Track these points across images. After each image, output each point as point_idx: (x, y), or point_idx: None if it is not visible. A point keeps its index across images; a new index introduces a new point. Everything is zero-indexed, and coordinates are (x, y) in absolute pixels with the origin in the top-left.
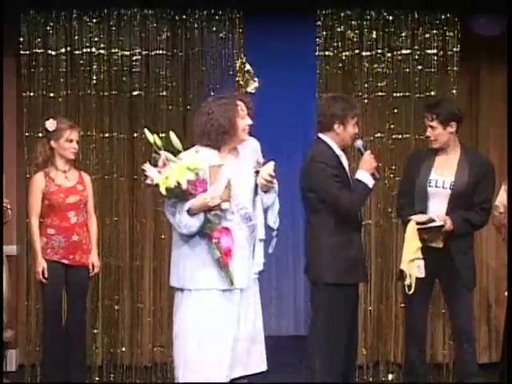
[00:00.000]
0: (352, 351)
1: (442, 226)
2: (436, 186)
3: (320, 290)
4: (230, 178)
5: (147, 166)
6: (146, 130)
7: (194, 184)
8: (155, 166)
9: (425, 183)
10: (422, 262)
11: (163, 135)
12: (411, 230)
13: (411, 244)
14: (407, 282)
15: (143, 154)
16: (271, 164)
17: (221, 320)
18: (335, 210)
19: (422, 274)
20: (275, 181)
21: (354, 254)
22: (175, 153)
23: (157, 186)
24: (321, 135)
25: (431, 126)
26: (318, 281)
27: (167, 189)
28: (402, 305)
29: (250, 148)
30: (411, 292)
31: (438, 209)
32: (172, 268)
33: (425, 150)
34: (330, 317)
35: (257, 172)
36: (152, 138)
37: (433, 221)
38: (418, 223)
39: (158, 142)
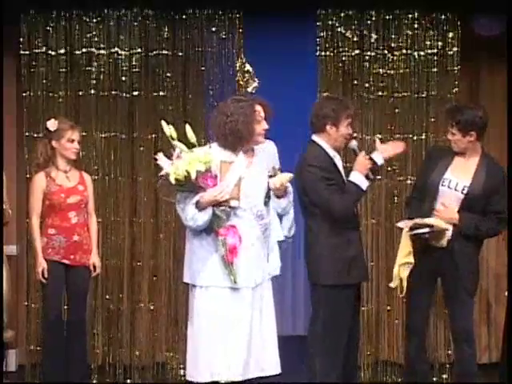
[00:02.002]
0: (353, 351)
1: (432, 230)
2: (449, 187)
3: (319, 292)
4: (241, 176)
5: (160, 156)
6: (162, 122)
7: (204, 178)
8: (169, 158)
9: (438, 181)
10: (411, 266)
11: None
12: (404, 234)
13: (403, 248)
14: (393, 284)
15: (143, 153)
16: (287, 175)
17: (231, 318)
18: (328, 212)
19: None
20: (288, 190)
21: (353, 254)
22: (189, 146)
23: (167, 176)
24: (314, 137)
25: (451, 132)
26: (316, 282)
27: (177, 179)
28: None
29: (268, 150)
30: (402, 295)
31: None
32: (185, 264)
33: (445, 147)
34: (329, 318)
35: (270, 176)
36: (168, 130)
37: (421, 226)
38: (410, 228)
39: (174, 135)
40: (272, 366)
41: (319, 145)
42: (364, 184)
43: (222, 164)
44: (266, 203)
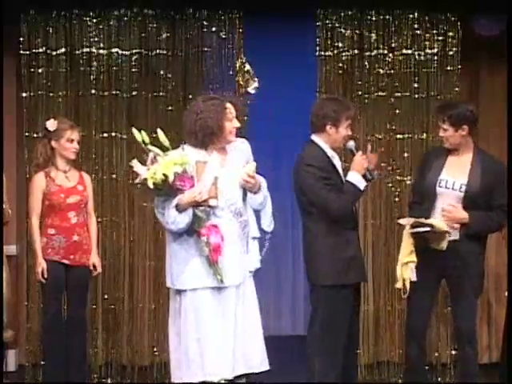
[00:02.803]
0: (352, 351)
1: (432, 230)
2: (446, 187)
3: (318, 292)
4: (216, 176)
5: (135, 162)
6: (133, 129)
7: (181, 180)
8: (144, 164)
9: (434, 182)
10: (414, 266)
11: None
12: (405, 233)
13: (405, 247)
14: (398, 285)
15: (143, 154)
16: (251, 164)
17: (218, 318)
18: (325, 212)
19: (414, 277)
20: (256, 181)
21: (351, 254)
22: (163, 149)
23: (145, 181)
24: (313, 137)
25: (443, 128)
26: (315, 283)
27: (155, 183)
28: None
29: (240, 147)
30: (405, 296)
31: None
32: (166, 269)
33: (437, 148)
34: (327, 317)
35: None
36: (140, 136)
37: (424, 225)
38: (412, 227)
39: (146, 140)
40: (259, 362)
41: (318, 145)
42: (361, 184)
43: (198, 164)
44: (244, 200)
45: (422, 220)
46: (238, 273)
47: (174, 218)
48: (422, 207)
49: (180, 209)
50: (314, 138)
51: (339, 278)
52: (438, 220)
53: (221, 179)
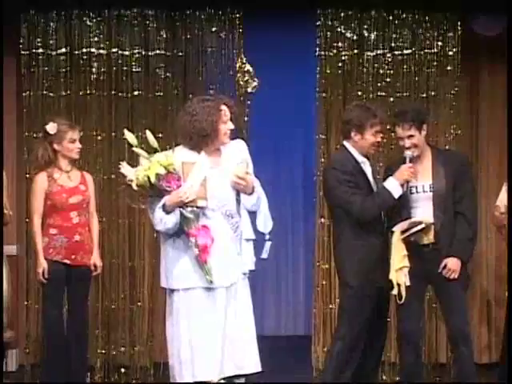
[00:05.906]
0: (373, 354)
1: (425, 227)
2: (417, 192)
3: (340, 290)
4: (205, 176)
5: (123, 164)
6: (125, 131)
7: (168, 181)
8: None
9: (406, 191)
10: (407, 270)
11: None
12: (396, 239)
13: (397, 253)
14: (395, 291)
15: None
16: (241, 166)
17: (207, 318)
18: (348, 213)
19: (408, 282)
20: (248, 183)
21: (368, 258)
22: (152, 151)
23: (130, 182)
24: (344, 142)
25: (410, 136)
26: (340, 281)
27: (139, 185)
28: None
29: (237, 147)
30: (402, 301)
31: (422, 212)
32: (161, 269)
33: (397, 160)
34: (339, 316)
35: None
36: (130, 138)
37: (416, 224)
38: (402, 232)
39: (134, 142)
40: (251, 364)
41: (348, 150)
42: (396, 191)
43: (184, 165)
44: (238, 201)
45: (413, 220)
46: (228, 274)
47: (161, 219)
48: (399, 218)
49: (167, 209)
50: (345, 143)
51: (353, 279)
52: (421, 216)
53: (212, 180)
